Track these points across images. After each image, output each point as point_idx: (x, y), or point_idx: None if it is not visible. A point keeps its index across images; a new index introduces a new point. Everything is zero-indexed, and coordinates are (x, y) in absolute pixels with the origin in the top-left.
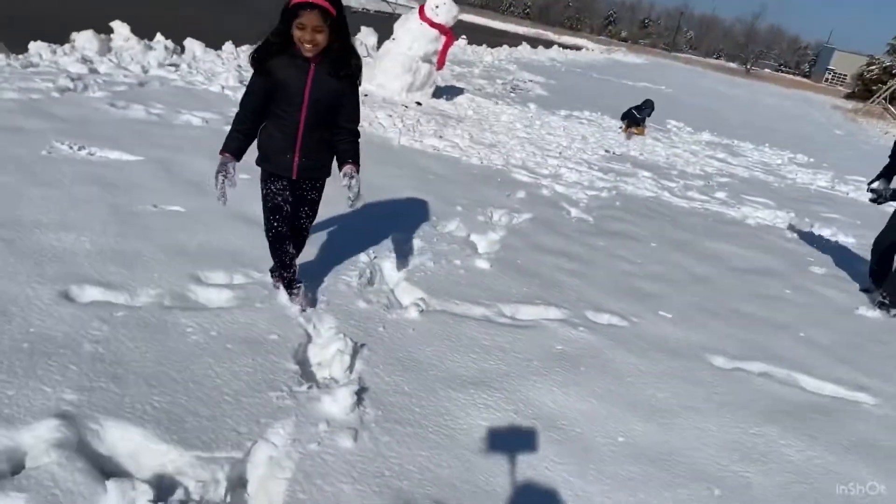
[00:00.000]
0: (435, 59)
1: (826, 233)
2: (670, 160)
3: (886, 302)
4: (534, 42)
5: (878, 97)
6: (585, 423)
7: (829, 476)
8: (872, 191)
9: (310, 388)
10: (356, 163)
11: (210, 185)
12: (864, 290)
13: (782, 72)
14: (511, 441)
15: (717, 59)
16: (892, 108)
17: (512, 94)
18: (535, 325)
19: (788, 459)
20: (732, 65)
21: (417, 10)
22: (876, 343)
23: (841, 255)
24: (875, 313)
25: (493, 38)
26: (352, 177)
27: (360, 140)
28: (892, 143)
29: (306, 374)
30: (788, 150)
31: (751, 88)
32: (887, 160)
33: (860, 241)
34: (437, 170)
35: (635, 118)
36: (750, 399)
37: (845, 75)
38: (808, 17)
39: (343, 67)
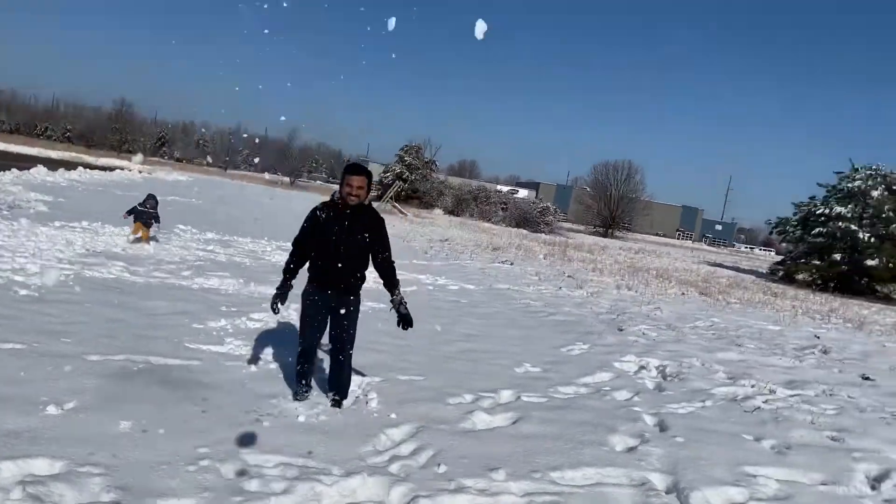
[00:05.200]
0: None
1: (258, 288)
2: (154, 253)
3: (339, 398)
4: (61, 165)
5: (386, 196)
6: None
7: None
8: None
9: None
10: None
11: None
12: (296, 395)
13: (331, 182)
14: None
15: (274, 173)
16: (398, 205)
17: (5, 213)
18: None
19: None
20: (286, 178)
21: None
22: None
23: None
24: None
25: (6, 163)
26: None
27: None
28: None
29: None
30: (284, 240)
31: (288, 197)
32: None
33: None
34: None
35: (141, 214)
36: None
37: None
38: (352, 136)
39: None
